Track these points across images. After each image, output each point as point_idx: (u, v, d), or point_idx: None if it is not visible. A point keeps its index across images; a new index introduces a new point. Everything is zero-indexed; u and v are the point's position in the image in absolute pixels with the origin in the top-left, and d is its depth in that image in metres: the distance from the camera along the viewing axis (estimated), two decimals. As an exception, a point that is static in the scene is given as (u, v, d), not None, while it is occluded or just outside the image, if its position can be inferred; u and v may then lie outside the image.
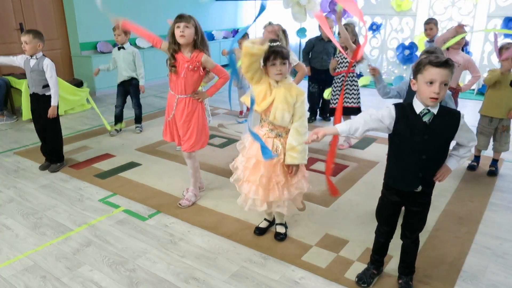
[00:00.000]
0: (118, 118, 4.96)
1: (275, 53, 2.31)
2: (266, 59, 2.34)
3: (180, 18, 2.79)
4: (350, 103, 4.22)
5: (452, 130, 1.91)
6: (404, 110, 1.93)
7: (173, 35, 2.81)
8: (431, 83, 1.80)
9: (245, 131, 2.62)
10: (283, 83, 2.37)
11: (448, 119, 1.90)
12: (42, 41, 3.58)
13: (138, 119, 5.08)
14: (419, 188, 2.00)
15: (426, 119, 1.88)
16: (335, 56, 4.33)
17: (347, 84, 4.20)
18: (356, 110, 4.22)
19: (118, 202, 3.26)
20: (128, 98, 4.99)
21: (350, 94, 4.22)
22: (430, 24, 4.60)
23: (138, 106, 5.01)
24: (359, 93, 4.25)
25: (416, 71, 1.87)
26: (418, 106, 1.90)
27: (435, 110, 1.88)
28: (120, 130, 5.02)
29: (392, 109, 1.94)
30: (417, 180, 1.98)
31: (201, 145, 3.09)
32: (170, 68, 2.90)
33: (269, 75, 2.37)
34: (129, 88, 4.88)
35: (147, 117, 5.63)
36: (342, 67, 4.24)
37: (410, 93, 2.63)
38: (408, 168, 1.98)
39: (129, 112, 5.97)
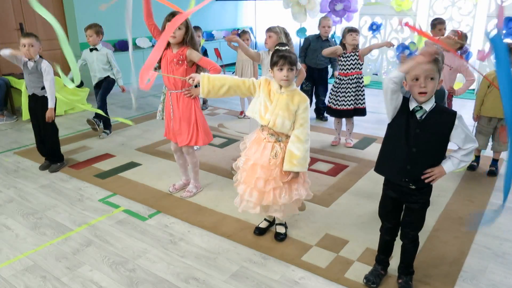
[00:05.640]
0: (104, 120, 4.82)
1: (283, 58, 2.29)
2: (274, 64, 2.33)
3: (172, 17, 2.81)
4: (359, 104, 4.27)
5: (446, 128, 1.95)
6: (404, 104, 2.02)
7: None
8: (416, 79, 1.91)
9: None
10: (286, 90, 2.35)
11: (443, 118, 1.95)
12: (40, 44, 3.63)
13: (99, 114, 4.65)
14: (411, 185, 2.03)
15: (418, 115, 1.96)
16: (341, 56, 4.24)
17: (360, 86, 4.23)
18: (364, 111, 4.29)
19: (118, 202, 3.26)
20: (113, 98, 4.78)
21: (361, 95, 4.25)
22: (444, 24, 4.59)
23: (101, 100, 4.65)
24: (364, 94, 4.30)
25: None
26: (412, 104, 1.99)
27: (427, 107, 1.95)
28: (110, 132, 4.89)
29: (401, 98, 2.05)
30: (405, 172, 2.02)
31: (201, 141, 3.12)
32: (157, 65, 3.00)
33: (275, 79, 2.36)
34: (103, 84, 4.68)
35: (147, 117, 5.63)
36: (349, 69, 4.17)
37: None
38: (398, 159, 2.04)
39: (127, 112, 5.97)
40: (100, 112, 3.89)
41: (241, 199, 2.55)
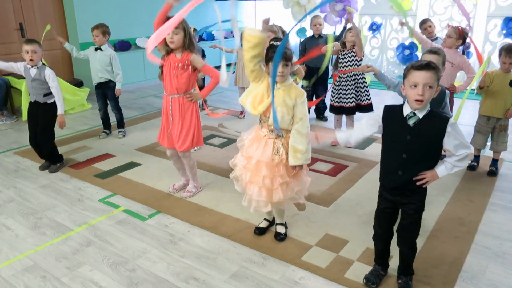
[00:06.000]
0: (104, 120, 4.83)
1: None
2: (269, 59, 2.33)
3: None
4: (364, 101, 4.33)
5: (438, 134, 1.92)
6: (393, 112, 2.02)
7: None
8: (415, 86, 1.88)
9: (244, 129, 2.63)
10: (282, 85, 2.36)
11: (434, 123, 1.93)
12: (43, 50, 3.64)
13: (119, 124, 4.86)
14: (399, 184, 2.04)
15: (411, 122, 1.94)
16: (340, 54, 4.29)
17: (360, 83, 4.27)
18: (369, 107, 4.35)
19: (118, 202, 3.26)
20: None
21: (363, 92, 4.31)
22: (428, 22, 4.75)
23: (117, 110, 4.78)
24: (369, 90, 4.36)
25: (404, 76, 1.97)
26: (406, 109, 1.97)
27: (421, 114, 1.93)
28: (110, 132, 4.89)
29: (380, 113, 2.06)
30: (397, 178, 2.03)
31: (195, 144, 3.12)
32: (160, 71, 3.04)
33: (270, 76, 2.36)
34: (107, 92, 4.67)
35: (147, 117, 5.63)
36: (347, 66, 4.21)
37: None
38: (390, 165, 2.06)
39: (127, 112, 5.97)
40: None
41: (250, 199, 2.54)
